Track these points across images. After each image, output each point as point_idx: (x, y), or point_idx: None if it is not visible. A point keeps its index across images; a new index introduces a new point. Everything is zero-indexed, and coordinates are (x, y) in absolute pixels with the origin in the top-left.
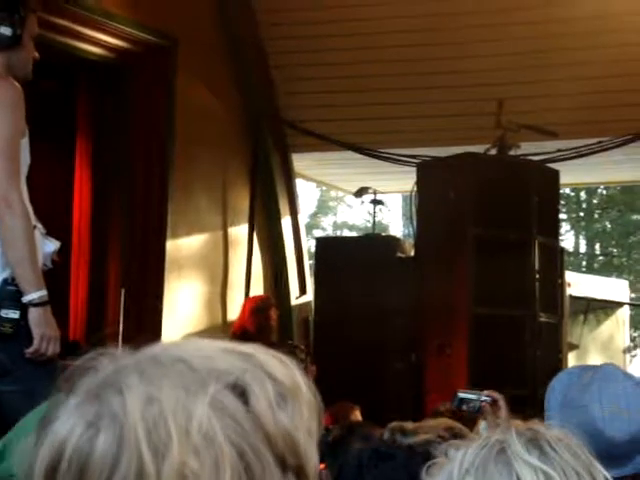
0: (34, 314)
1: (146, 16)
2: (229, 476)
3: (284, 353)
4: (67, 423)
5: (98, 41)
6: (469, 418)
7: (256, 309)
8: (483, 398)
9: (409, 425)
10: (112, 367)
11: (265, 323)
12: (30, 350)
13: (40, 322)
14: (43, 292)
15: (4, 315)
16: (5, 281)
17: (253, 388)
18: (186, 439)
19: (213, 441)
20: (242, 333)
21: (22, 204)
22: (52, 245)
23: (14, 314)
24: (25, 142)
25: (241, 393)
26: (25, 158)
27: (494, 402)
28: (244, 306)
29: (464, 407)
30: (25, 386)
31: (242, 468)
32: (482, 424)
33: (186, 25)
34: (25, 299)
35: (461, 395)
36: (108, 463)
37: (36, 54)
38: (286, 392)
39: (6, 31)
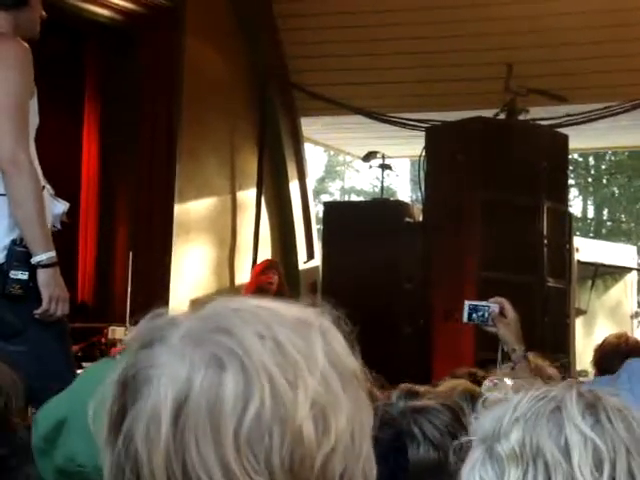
0: (43, 275)
1: None
2: (345, 402)
3: None
4: (182, 364)
5: (107, 3)
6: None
7: (259, 272)
8: (491, 306)
9: (420, 388)
10: (196, 317)
11: (265, 285)
12: (39, 311)
13: (49, 283)
14: (52, 253)
15: (13, 276)
16: (14, 242)
17: (332, 333)
18: (313, 369)
19: (329, 371)
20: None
21: (30, 165)
22: (61, 206)
23: (23, 275)
24: (33, 103)
25: (325, 335)
26: (33, 119)
27: (501, 309)
28: (252, 270)
29: (474, 316)
30: (35, 346)
31: (347, 396)
32: (486, 383)
33: None
34: (34, 260)
35: (469, 304)
36: (240, 395)
37: (43, 13)
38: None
39: None
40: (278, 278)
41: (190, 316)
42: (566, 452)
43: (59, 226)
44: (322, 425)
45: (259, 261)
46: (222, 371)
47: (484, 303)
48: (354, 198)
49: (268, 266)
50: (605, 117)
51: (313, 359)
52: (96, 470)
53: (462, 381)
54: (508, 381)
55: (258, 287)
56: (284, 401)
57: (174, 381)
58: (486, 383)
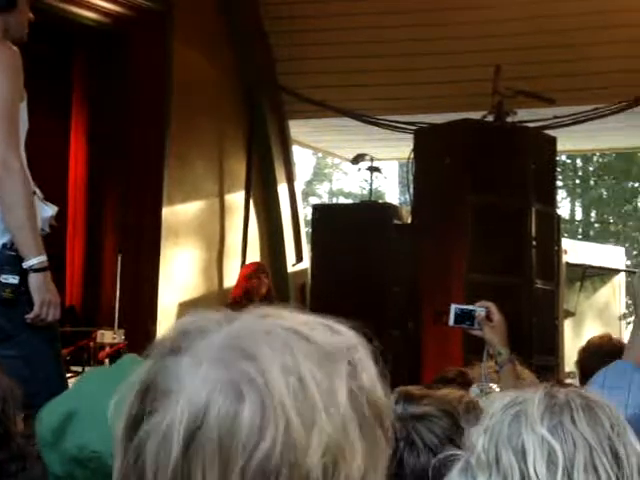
0: (34, 279)
1: None
2: (360, 447)
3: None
4: (203, 386)
5: (94, 6)
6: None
7: (246, 276)
8: (478, 309)
9: (416, 391)
10: (226, 331)
11: (253, 289)
12: (31, 315)
13: (40, 287)
14: (43, 257)
15: (4, 280)
16: (4, 246)
17: (363, 366)
18: (333, 413)
19: (349, 415)
20: (233, 301)
21: (21, 169)
22: (50, 210)
23: (14, 279)
24: (23, 106)
25: (355, 369)
26: (24, 122)
27: (488, 313)
28: (239, 274)
29: (460, 320)
30: (25, 351)
31: (364, 440)
32: (473, 388)
33: None
34: (25, 265)
35: (456, 308)
36: (255, 430)
37: (31, 15)
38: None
39: None
40: (267, 281)
41: (221, 327)
42: (522, 454)
43: (48, 229)
44: (332, 472)
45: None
46: (240, 402)
47: (471, 307)
48: (342, 200)
49: (256, 269)
50: (593, 119)
51: (335, 401)
52: (111, 456)
53: (453, 391)
54: (495, 387)
55: (246, 291)
56: (296, 444)
57: (192, 404)
58: (473, 388)
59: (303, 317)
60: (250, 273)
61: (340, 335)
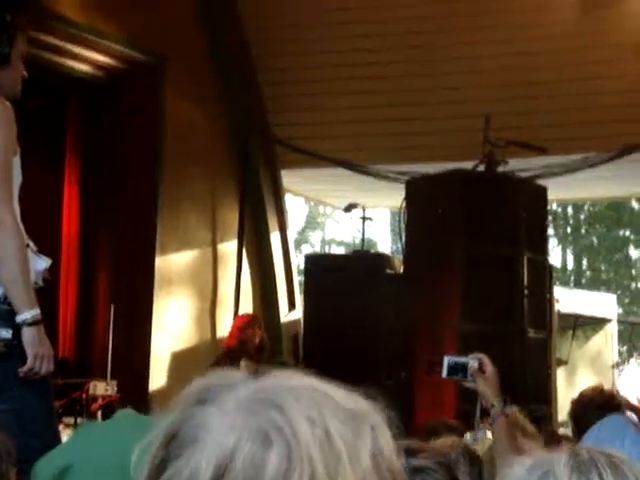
0: (28, 333)
1: (134, 34)
2: None
3: (273, 369)
4: (230, 433)
5: (87, 59)
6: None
7: (240, 327)
8: (470, 361)
9: (414, 444)
10: (251, 386)
11: (248, 340)
12: (24, 369)
13: (34, 341)
14: (36, 311)
15: None
16: None
17: (382, 431)
18: (356, 468)
19: (370, 473)
20: (227, 350)
21: (15, 223)
22: (43, 263)
23: (7, 333)
24: (17, 160)
25: (376, 434)
26: (17, 177)
27: (480, 364)
28: (232, 325)
29: (453, 372)
30: (17, 405)
31: None
32: (467, 437)
33: (174, 43)
34: (18, 319)
35: (449, 360)
36: (280, 477)
37: (25, 72)
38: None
39: None
40: (260, 332)
41: (246, 382)
42: None
43: (41, 283)
44: None
45: (240, 314)
46: (266, 448)
47: (463, 359)
48: (335, 249)
49: (251, 321)
50: (584, 168)
51: (358, 457)
52: None
53: (450, 439)
54: (489, 434)
55: (241, 341)
56: None
57: (218, 449)
58: (467, 437)
59: (320, 381)
60: (245, 325)
61: (358, 400)
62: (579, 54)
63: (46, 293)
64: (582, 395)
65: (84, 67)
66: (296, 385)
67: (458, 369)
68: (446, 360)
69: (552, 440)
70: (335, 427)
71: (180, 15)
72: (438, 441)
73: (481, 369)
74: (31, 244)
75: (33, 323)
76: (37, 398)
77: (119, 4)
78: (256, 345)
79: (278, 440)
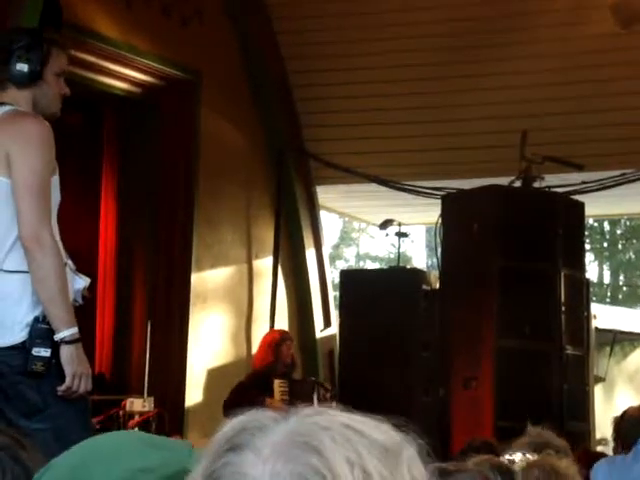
0: (66, 352)
1: (170, 51)
2: None
3: (306, 390)
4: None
5: (123, 76)
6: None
7: (270, 344)
8: None
9: (450, 466)
10: (284, 427)
11: (282, 355)
12: (62, 388)
13: (72, 360)
14: (75, 329)
15: (35, 353)
16: (37, 319)
17: (416, 465)
18: None
19: None
20: (257, 368)
21: (53, 242)
22: (82, 281)
23: (46, 352)
24: (55, 180)
25: (410, 467)
26: (56, 196)
27: None
28: (261, 342)
29: None
30: (56, 424)
31: None
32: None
33: (210, 59)
34: (57, 337)
35: None
36: None
37: (67, 90)
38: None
39: (22, 68)
40: (292, 349)
41: (278, 423)
42: None
43: (80, 301)
44: None
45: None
46: None
47: None
48: (369, 264)
49: (285, 337)
50: (620, 184)
51: None
52: None
53: (489, 456)
54: (529, 455)
55: (275, 357)
56: None
57: None
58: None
59: (350, 414)
60: (279, 340)
61: (390, 432)
62: (616, 70)
63: (83, 309)
64: (627, 414)
65: (120, 84)
66: (329, 424)
67: None
68: None
69: (586, 457)
70: (373, 465)
71: (215, 31)
72: (473, 459)
73: None
74: (70, 263)
75: (71, 341)
76: (76, 416)
77: (154, 21)
78: (287, 363)
79: None
